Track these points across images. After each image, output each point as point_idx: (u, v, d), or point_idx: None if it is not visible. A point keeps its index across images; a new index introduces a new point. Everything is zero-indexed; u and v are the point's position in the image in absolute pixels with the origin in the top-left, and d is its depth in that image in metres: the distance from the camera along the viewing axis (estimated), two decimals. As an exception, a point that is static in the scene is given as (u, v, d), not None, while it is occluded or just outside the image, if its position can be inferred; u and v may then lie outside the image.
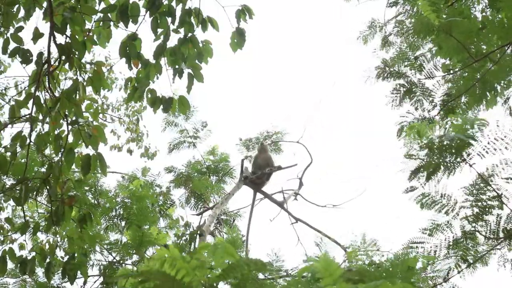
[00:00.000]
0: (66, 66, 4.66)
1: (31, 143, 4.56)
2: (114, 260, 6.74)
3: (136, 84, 4.92)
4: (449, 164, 4.28)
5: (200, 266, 1.98)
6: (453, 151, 4.17)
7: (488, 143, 4.13)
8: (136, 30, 4.73)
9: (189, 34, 4.85)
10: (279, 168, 8.09)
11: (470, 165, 4.28)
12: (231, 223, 8.53)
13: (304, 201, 8.05)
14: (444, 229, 4.49)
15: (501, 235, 4.37)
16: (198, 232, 7.09)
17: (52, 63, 4.63)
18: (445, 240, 4.49)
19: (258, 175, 7.88)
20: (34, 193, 4.84)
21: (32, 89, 4.56)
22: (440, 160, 4.24)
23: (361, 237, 4.79)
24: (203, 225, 7.35)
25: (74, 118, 4.53)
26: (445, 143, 4.11)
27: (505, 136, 4.11)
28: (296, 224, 7.72)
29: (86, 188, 7.14)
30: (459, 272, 4.55)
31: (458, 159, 4.25)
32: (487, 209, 4.32)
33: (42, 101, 4.60)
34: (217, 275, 2.02)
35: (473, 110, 5.77)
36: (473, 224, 4.39)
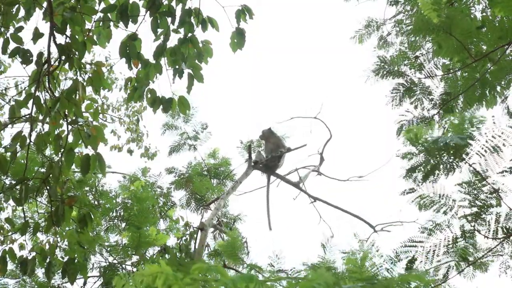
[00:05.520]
0: (66, 66, 4.66)
1: (31, 143, 4.56)
2: (114, 261, 6.74)
3: (136, 84, 4.91)
4: (448, 165, 4.27)
5: (193, 284, 1.98)
6: (452, 151, 4.17)
7: (486, 141, 4.13)
8: (136, 30, 4.73)
9: (189, 34, 4.85)
10: (289, 150, 8.09)
11: (470, 165, 4.27)
12: (231, 225, 8.52)
13: (324, 178, 8.11)
14: (443, 229, 4.49)
15: (500, 234, 4.36)
16: (200, 227, 7.08)
17: (52, 63, 4.62)
18: (444, 239, 4.48)
19: (268, 159, 7.89)
20: (34, 193, 4.83)
21: (32, 89, 4.56)
22: (439, 161, 4.23)
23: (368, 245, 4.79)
24: (206, 219, 7.35)
25: (74, 118, 4.53)
26: (441, 145, 4.11)
27: (502, 133, 4.10)
28: (317, 202, 7.76)
29: (87, 188, 7.14)
30: (459, 272, 4.54)
31: (457, 160, 4.25)
32: (485, 207, 4.31)
33: (42, 101, 4.60)
34: None
35: (472, 109, 5.77)
36: (472, 224, 4.38)
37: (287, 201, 7.94)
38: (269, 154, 7.96)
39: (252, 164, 7.84)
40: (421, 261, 4.42)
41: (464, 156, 4.21)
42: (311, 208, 7.79)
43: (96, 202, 7.17)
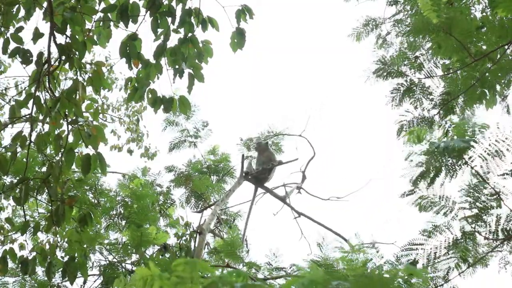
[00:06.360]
0: (66, 66, 4.66)
1: (31, 143, 4.56)
2: (114, 260, 6.74)
3: (136, 84, 4.92)
4: (450, 167, 4.28)
5: (181, 282, 1.97)
6: (454, 154, 4.17)
7: (489, 145, 4.13)
8: (136, 30, 4.73)
9: (189, 34, 4.85)
10: (280, 163, 8.13)
11: (472, 168, 4.28)
12: (231, 222, 8.53)
13: (307, 195, 8.12)
14: (443, 230, 4.49)
15: (500, 235, 4.36)
16: (198, 230, 7.10)
17: (52, 63, 4.62)
18: (445, 241, 4.49)
19: (259, 171, 7.93)
20: (35, 192, 4.84)
21: (32, 89, 4.56)
22: (442, 164, 4.24)
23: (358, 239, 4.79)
24: (203, 223, 7.36)
25: (74, 118, 4.53)
26: (444, 149, 4.11)
27: (506, 138, 4.11)
28: (299, 218, 7.77)
29: (86, 187, 7.14)
30: (460, 274, 4.54)
31: (460, 162, 4.25)
32: (485, 209, 4.32)
33: (42, 101, 4.60)
34: None
35: (472, 109, 5.76)
36: (473, 225, 4.39)
37: (270, 216, 7.98)
38: (260, 166, 7.99)
39: (243, 174, 7.88)
40: (423, 264, 4.42)
41: (466, 159, 4.21)
42: (294, 224, 7.82)
43: (95, 201, 7.17)
